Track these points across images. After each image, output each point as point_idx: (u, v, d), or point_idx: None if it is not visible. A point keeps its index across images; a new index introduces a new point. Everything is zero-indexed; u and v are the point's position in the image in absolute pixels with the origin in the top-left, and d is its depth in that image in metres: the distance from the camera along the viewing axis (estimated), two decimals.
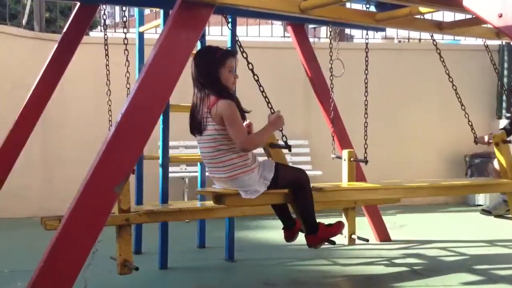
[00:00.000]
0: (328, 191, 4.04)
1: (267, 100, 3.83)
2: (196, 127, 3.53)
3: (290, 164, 4.23)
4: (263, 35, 8.27)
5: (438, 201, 7.86)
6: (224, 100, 3.40)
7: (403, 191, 4.48)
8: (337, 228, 3.91)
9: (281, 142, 3.80)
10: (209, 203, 4.71)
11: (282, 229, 3.99)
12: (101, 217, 2.95)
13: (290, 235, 3.98)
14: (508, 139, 4.84)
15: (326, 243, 3.87)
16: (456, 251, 5.15)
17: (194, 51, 4.34)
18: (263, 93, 3.83)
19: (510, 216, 4.94)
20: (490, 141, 4.85)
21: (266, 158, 3.95)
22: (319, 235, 3.79)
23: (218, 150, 3.48)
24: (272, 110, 3.77)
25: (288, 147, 3.69)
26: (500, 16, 2.57)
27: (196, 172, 5.40)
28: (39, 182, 7.04)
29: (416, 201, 7.50)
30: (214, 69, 3.46)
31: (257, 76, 3.80)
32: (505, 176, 4.78)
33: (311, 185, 3.82)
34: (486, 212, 5.14)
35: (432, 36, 5.12)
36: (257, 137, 3.55)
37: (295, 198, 3.72)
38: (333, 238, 3.88)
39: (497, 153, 4.80)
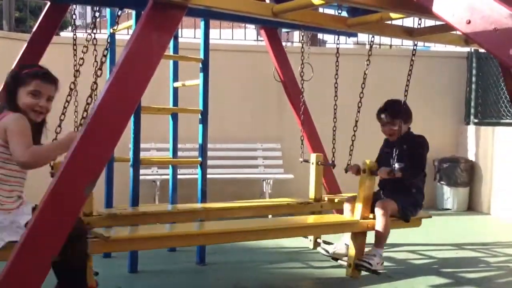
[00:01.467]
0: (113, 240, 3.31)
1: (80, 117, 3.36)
2: None
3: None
4: (236, 38, 8.28)
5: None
6: (15, 113, 2.97)
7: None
8: None
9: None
10: (181, 206, 4.71)
11: None
12: (70, 219, 2.89)
13: None
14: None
15: None
16: (424, 255, 5.22)
17: (166, 53, 4.32)
18: None
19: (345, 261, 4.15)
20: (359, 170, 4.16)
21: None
22: None
23: None
24: (76, 128, 3.30)
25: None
26: (469, 22, 2.61)
27: (168, 174, 5.37)
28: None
29: None
30: (12, 91, 3.05)
31: None
32: (355, 213, 4.10)
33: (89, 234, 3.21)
34: (325, 251, 4.29)
35: (402, 43, 5.18)
36: (43, 150, 3.02)
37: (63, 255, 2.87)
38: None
39: (360, 182, 4.11)
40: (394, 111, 4.25)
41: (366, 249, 4.07)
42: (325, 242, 4.46)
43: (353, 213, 4.15)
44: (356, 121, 4.39)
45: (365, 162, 4.10)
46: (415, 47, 4.50)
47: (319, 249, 4.39)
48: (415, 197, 4.20)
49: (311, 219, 4.50)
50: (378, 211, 3.99)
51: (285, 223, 4.12)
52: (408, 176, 4.09)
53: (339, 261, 4.21)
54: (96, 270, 3.33)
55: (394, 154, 4.13)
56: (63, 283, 3.02)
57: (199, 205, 4.67)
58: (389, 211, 4.01)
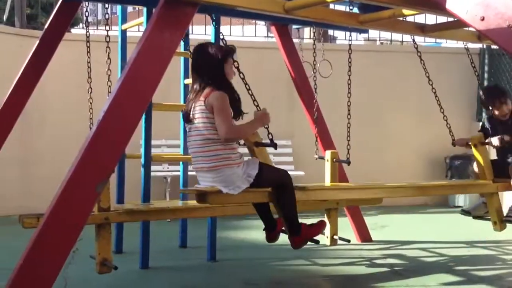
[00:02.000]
0: (311, 190, 4.03)
1: (253, 98, 3.85)
2: (188, 117, 3.53)
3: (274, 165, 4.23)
4: (246, 35, 8.27)
5: (419, 202, 7.93)
6: (219, 91, 3.42)
7: (385, 191, 4.50)
8: (319, 227, 3.93)
9: (266, 141, 3.79)
10: (191, 202, 4.70)
11: (264, 229, 3.99)
12: (82, 216, 2.92)
13: (272, 236, 3.97)
14: (485, 141, 4.88)
15: (309, 242, 3.88)
16: (436, 252, 5.20)
17: (177, 50, 4.33)
18: (249, 91, 3.85)
19: (489, 217, 4.99)
20: (468, 143, 4.89)
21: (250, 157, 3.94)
22: (303, 236, 3.79)
23: (206, 139, 3.46)
24: (258, 107, 3.78)
25: (274, 145, 3.70)
26: (482, 19, 2.60)
27: (179, 171, 5.38)
28: (18, 180, 6.95)
29: (397, 202, 7.53)
30: (219, 64, 3.50)
31: (243, 74, 3.80)
32: (483, 178, 4.83)
33: (294, 184, 3.82)
34: (466, 212, 5.20)
35: (413, 39, 5.15)
36: (241, 128, 3.55)
37: (278, 198, 3.71)
38: (316, 238, 3.90)
39: (475, 155, 4.85)
40: (504, 95, 4.97)
41: None
42: (341, 239, 4.46)
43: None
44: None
45: (473, 137, 4.84)
46: (417, 43, 5.01)
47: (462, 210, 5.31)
48: None
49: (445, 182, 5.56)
50: None
51: (420, 184, 4.86)
52: None
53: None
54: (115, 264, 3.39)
55: (501, 129, 4.87)
56: (282, 202, 3.70)
57: None
58: None
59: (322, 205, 4.56)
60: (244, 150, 3.85)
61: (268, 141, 3.75)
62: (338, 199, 4.45)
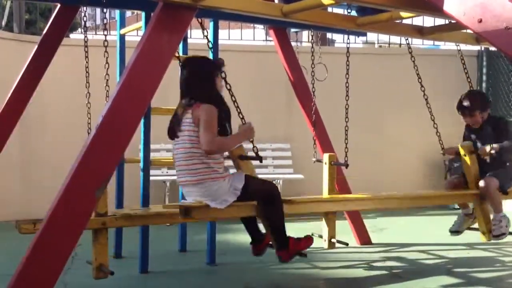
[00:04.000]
0: (296, 203, 3.99)
1: (239, 110, 3.80)
2: (174, 130, 3.51)
3: (261, 176, 4.20)
4: (245, 38, 8.28)
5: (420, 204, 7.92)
6: (208, 104, 3.40)
7: (374, 202, 4.55)
8: (306, 242, 3.82)
9: (252, 154, 3.76)
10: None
11: (250, 243, 3.92)
12: (81, 221, 2.92)
13: (258, 250, 3.90)
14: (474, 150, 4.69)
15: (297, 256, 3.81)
16: (435, 254, 5.19)
17: (176, 54, 4.33)
18: (235, 103, 3.80)
19: (475, 227, 4.84)
20: (457, 152, 4.77)
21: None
22: (290, 250, 3.70)
23: (191, 153, 3.44)
24: (243, 120, 3.75)
25: (259, 158, 3.66)
26: (480, 21, 2.60)
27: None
28: (17, 185, 6.94)
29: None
30: (210, 78, 3.52)
31: (230, 86, 3.76)
32: (472, 187, 4.68)
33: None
34: (455, 232, 4.94)
35: (407, 41, 5.16)
36: (224, 141, 3.49)
37: (265, 211, 3.64)
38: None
39: (464, 164, 4.72)
40: (471, 106, 4.74)
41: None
42: (339, 242, 4.46)
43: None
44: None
45: (462, 146, 4.69)
46: (415, 45, 4.84)
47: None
48: (509, 170, 4.71)
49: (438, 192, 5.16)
50: (485, 187, 4.54)
51: (409, 195, 4.84)
52: (506, 150, 4.57)
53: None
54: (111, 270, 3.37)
55: (482, 138, 4.67)
56: (269, 215, 3.65)
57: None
58: (493, 186, 4.56)
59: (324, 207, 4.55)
60: (229, 163, 3.83)
61: (254, 154, 3.70)
62: (325, 211, 4.38)
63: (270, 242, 3.83)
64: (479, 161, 4.69)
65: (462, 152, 4.69)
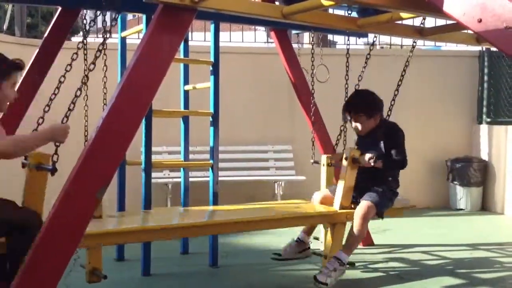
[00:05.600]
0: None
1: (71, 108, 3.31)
2: None
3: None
4: (246, 40, 8.28)
5: (420, 205, 7.92)
6: None
7: (210, 228, 4.00)
8: None
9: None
10: (191, 208, 4.70)
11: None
12: (82, 223, 2.92)
13: None
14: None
15: None
16: (438, 255, 5.19)
17: (177, 56, 4.33)
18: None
19: (303, 256, 4.37)
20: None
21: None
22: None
23: None
24: (63, 121, 3.21)
25: (52, 170, 2.96)
26: (480, 21, 2.60)
27: (179, 177, 5.38)
28: (18, 188, 6.94)
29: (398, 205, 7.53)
30: None
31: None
32: (339, 202, 4.10)
33: None
34: (277, 255, 4.37)
35: (414, 43, 5.15)
36: (21, 139, 2.93)
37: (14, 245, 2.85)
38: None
39: (341, 173, 4.10)
40: (357, 108, 4.22)
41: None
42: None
43: (324, 204, 4.24)
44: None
45: (348, 150, 4.07)
46: (416, 46, 4.81)
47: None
48: (391, 186, 4.26)
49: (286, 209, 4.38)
50: (359, 214, 3.98)
51: (259, 215, 4.09)
52: (390, 167, 4.15)
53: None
54: (105, 273, 3.35)
55: (371, 144, 4.13)
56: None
57: (210, 208, 4.67)
58: (371, 215, 4.03)
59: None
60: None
61: (50, 165, 3.01)
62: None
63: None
64: (364, 172, 4.07)
65: (345, 156, 4.05)
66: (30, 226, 2.86)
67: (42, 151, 3.18)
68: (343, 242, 4.11)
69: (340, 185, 4.10)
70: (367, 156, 3.97)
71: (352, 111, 4.22)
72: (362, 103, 4.24)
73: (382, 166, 4.04)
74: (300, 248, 4.42)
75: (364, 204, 4.03)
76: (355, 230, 4.00)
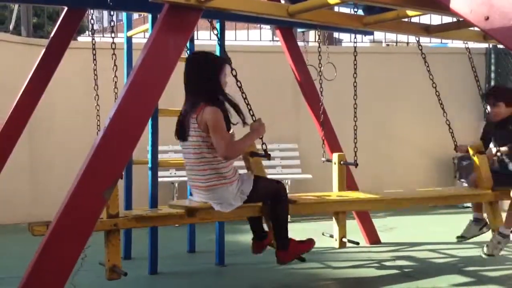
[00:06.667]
0: (301, 204, 3.98)
1: (249, 107, 3.81)
2: (182, 133, 3.49)
3: (269, 176, 4.19)
4: (251, 39, 8.28)
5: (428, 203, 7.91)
6: (211, 107, 3.36)
7: (381, 203, 4.56)
8: (308, 245, 3.82)
9: (261, 151, 3.77)
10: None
11: (252, 239, 3.92)
12: (90, 223, 2.93)
13: (258, 248, 3.89)
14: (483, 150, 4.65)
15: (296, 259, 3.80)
16: (446, 253, 5.17)
17: (183, 55, 4.33)
18: (246, 100, 3.82)
19: (481, 233, 4.77)
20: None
21: (245, 170, 3.92)
22: (290, 252, 3.70)
23: (202, 158, 3.43)
24: (253, 117, 3.73)
25: (267, 156, 3.64)
26: (487, 18, 2.58)
27: (186, 176, 5.37)
28: (26, 188, 6.98)
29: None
30: (214, 75, 3.45)
31: (240, 83, 3.79)
32: (482, 187, 4.66)
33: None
34: (462, 238, 4.83)
35: (418, 40, 5.14)
36: (239, 144, 3.48)
37: (271, 210, 3.64)
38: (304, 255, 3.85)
39: (475, 163, 4.69)
40: (498, 94, 4.65)
41: None
42: (350, 241, 4.45)
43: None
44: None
45: (471, 146, 4.63)
46: (422, 44, 4.92)
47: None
48: None
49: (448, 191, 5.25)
50: None
51: (423, 194, 4.85)
52: None
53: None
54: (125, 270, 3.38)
55: (500, 136, 4.58)
56: (274, 216, 3.65)
57: None
58: None
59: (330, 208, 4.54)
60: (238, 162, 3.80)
61: (262, 152, 3.70)
62: (332, 210, 4.39)
63: (272, 242, 3.82)
64: (499, 162, 4.62)
65: (471, 152, 4.63)
66: (282, 196, 3.64)
67: None
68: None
69: (479, 172, 4.63)
70: (492, 149, 4.56)
71: (493, 98, 4.62)
72: (503, 92, 4.77)
73: (509, 152, 4.45)
74: (480, 224, 4.77)
75: None
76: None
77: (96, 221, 2.98)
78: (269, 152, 3.72)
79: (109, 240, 3.58)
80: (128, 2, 4.54)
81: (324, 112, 5.39)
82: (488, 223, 4.71)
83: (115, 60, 4.32)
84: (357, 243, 4.57)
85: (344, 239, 4.46)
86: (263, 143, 3.76)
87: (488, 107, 4.70)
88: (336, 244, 4.42)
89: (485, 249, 4.41)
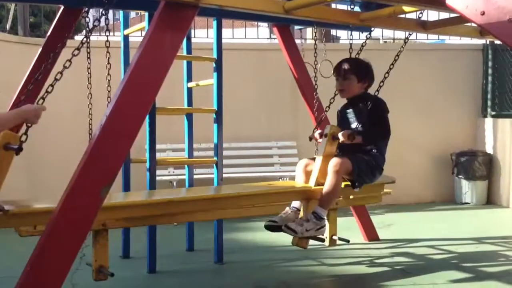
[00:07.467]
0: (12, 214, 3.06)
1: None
2: None
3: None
4: (249, 37, 8.28)
5: (425, 200, 7.92)
6: None
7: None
8: None
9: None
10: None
11: None
12: (87, 221, 2.92)
13: None
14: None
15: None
16: (443, 249, 5.18)
17: (180, 53, 4.33)
18: None
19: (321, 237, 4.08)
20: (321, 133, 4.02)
21: None
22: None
23: None
24: (38, 102, 3.09)
25: (17, 150, 2.99)
26: (483, 13, 2.59)
27: (184, 175, 5.39)
28: (23, 187, 6.97)
29: (403, 200, 7.54)
30: None
31: None
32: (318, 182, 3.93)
33: None
34: (273, 221, 3.95)
35: (407, 37, 5.11)
36: None
37: None
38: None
39: (325, 149, 3.90)
40: (350, 66, 4.09)
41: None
42: (341, 239, 4.44)
43: (307, 178, 4.00)
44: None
45: (328, 127, 3.91)
46: (420, 40, 4.54)
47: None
48: (374, 159, 3.97)
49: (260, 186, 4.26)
50: (331, 168, 3.78)
51: (236, 191, 3.97)
52: (372, 138, 3.96)
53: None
54: (112, 271, 3.36)
55: (352, 114, 4.03)
56: None
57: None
58: (342, 170, 3.78)
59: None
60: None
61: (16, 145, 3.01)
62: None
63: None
64: (348, 145, 3.87)
65: (325, 132, 3.91)
66: None
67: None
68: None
69: (318, 161, 3.93)
70: (344, 133, 3.79)
71: (343, 71, 4.11)
72: (355, 64, 4.12)
73: (362, 140, 3.88)
74: (297, 215, 4.02)
75: (338, 158, 3.82)
76: (327, 185, 3.79)
77: (93, 219, 2.97)
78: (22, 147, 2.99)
79: (97, 240, 3.48)
80: (125, 0, 4.53)
81: (320, 109, 5.38)
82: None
83: (108, 58, 4.31)
84: (347, 241, 4.51)
85: (334, 237, 4.39)
86: (23, 134, 3.07)
87: (337, 83, 4.17)
88: (326, 242, 4.35)
89: (290, 224, 3.74)
